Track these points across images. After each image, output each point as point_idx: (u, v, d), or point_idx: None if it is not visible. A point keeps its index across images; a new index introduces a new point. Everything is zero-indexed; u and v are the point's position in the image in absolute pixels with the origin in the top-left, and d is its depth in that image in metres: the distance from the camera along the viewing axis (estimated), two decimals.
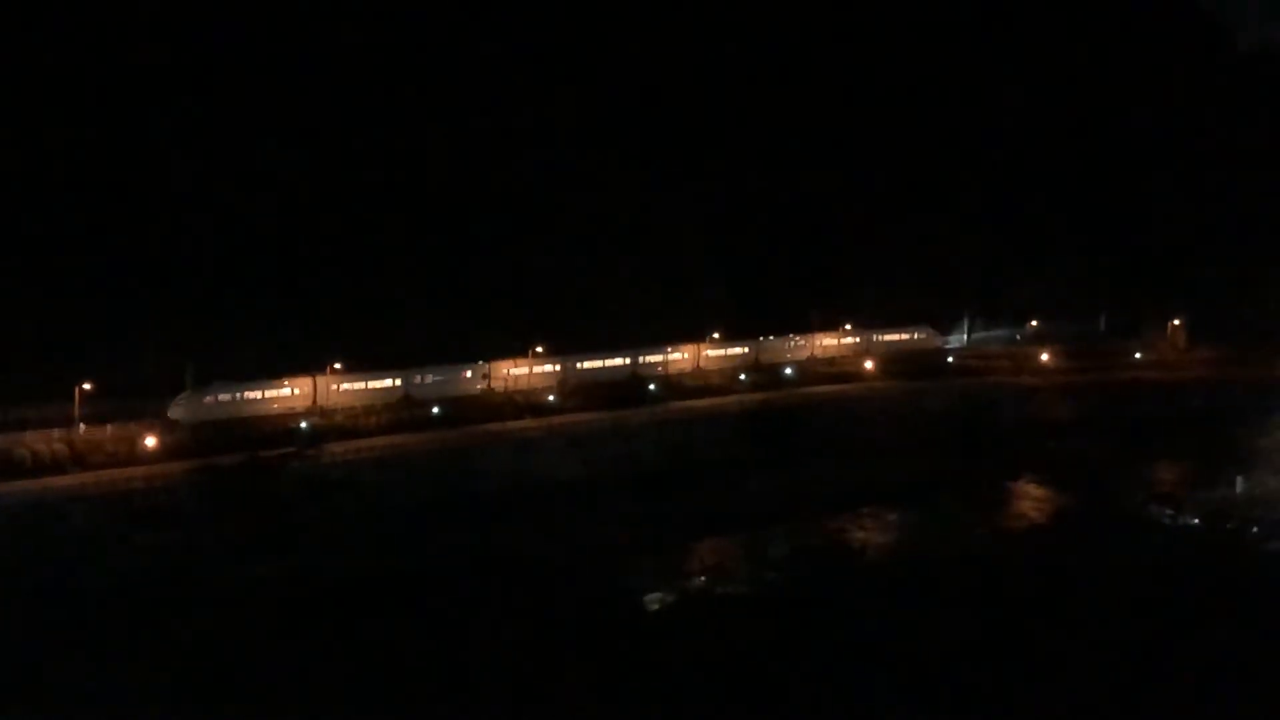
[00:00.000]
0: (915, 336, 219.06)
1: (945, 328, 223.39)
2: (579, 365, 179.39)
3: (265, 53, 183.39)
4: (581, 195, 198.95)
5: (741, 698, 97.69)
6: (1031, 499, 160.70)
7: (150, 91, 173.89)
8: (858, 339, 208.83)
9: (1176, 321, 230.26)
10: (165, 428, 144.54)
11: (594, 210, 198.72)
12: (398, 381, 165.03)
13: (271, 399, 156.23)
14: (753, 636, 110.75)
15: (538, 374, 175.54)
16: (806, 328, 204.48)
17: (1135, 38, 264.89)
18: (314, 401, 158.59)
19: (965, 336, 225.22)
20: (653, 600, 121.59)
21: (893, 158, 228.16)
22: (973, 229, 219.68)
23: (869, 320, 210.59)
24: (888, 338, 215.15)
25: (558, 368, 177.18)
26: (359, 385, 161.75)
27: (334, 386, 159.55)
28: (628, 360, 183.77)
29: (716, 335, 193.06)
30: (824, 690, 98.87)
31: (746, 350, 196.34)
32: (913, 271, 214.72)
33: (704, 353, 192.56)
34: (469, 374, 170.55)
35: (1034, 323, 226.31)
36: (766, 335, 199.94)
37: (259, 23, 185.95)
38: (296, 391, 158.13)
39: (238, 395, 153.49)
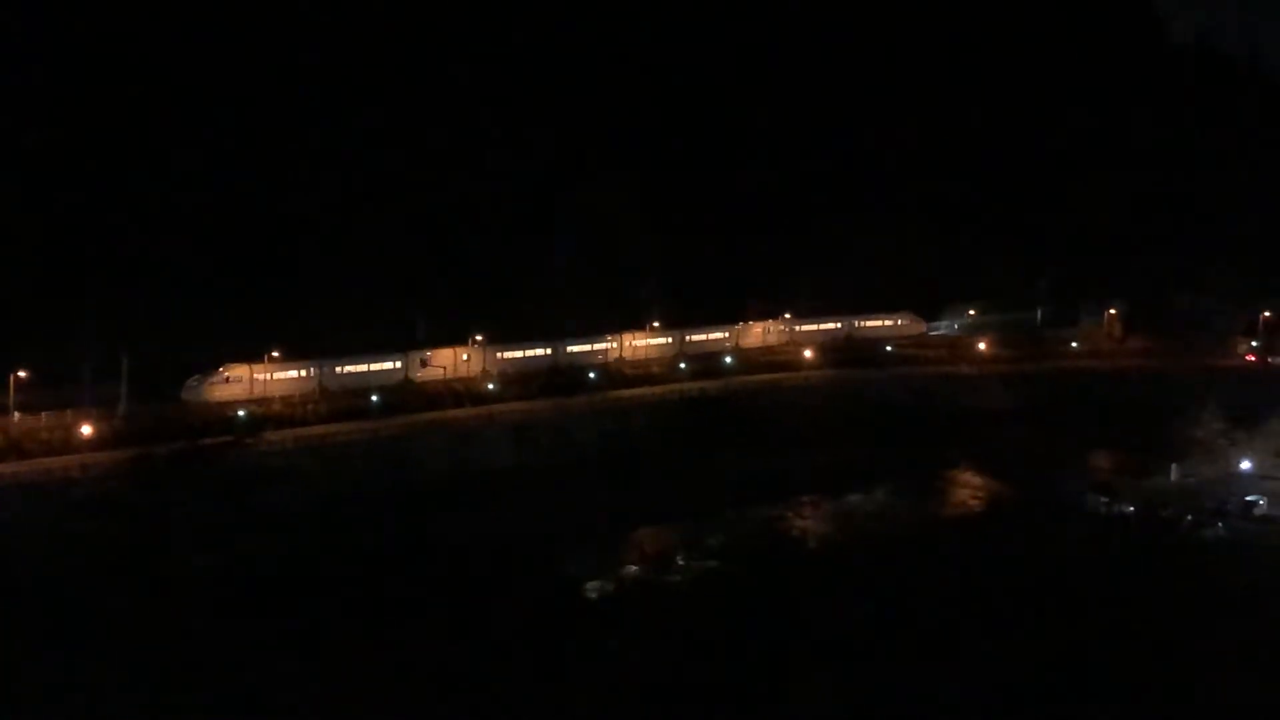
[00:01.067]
0: (899, 323, 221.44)
1: (931, 314, 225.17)
2: (519, 354, 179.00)
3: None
4: (520, 185, 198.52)
5: (682, 686, 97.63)
6: (969, 487, 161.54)
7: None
8: (798, 327, 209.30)
9: (1112, 311, 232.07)
10: (103, 416, 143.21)
11: (534, 199, 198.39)
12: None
13: (276, 381, 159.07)
14: (692, 626, 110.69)
15: (478, 362, 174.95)
16: (745, 317, 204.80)
17: (1069, 28, 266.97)
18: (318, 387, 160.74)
19: (954, 324, 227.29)
20: (592, 589, 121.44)
21: (831, 149, 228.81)
22: (909, 220, 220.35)
23: (822, 308, 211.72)
24: (870, 324, 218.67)
25: (499, 356, 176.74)
26: (292, 374, 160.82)
27: (268, 376, 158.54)
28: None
29: (656, 324, 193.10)
30: (762, 678, 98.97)
31: (686, 339, 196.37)
32: (848, 262, 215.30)
33: (645, 342, 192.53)
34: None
35: (971, 312, 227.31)
36: (706, 325, 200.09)
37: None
38: (303, 374, 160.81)
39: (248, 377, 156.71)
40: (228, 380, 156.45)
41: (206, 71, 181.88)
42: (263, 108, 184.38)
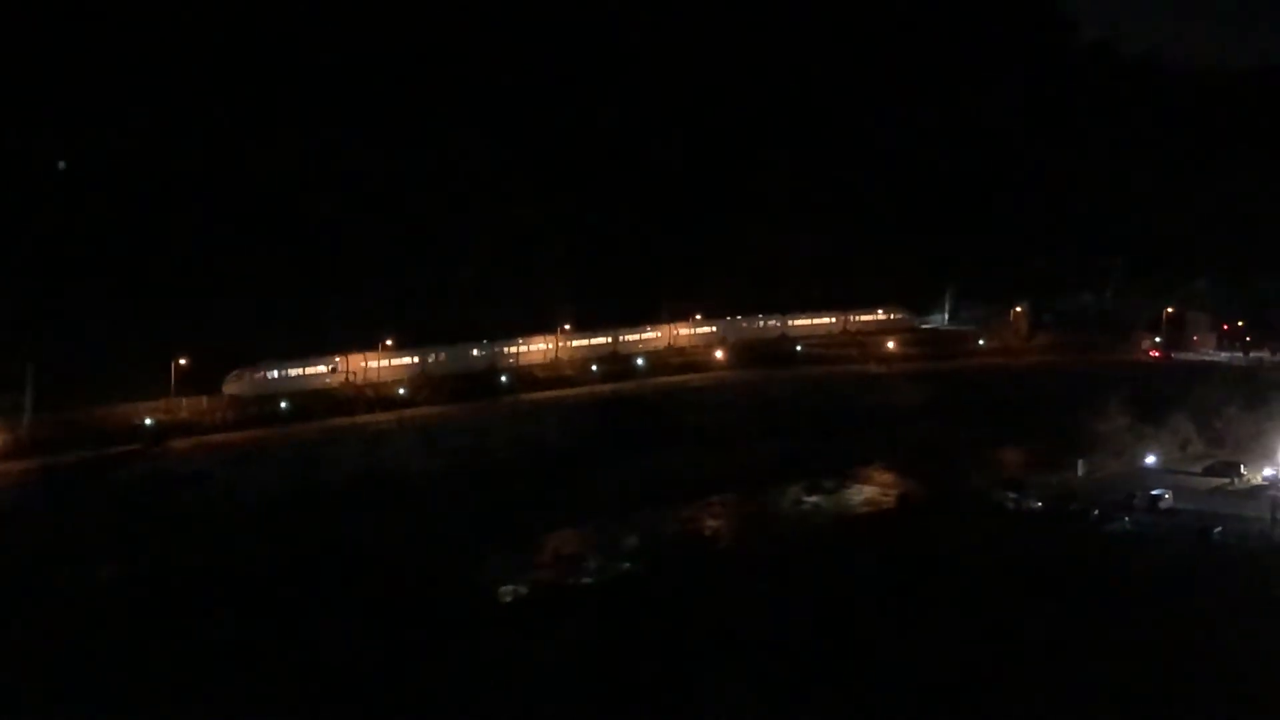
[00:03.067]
0: (891, 317, 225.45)
1: (923, 308, 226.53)
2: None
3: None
4: (432, 187, 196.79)
5: (596, 688, 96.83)
6: (879, 484, 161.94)
7: None
8: (712, 328, 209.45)
9: (1019, 309, 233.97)
10: (6, 426, 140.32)
11: (445, 200, 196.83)
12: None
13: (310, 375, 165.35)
14: (606, 627, 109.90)
15: (389, 367, 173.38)
16: (658, 318, 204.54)
17: (977, 27, 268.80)
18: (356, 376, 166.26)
19: (944, 316, 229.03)
20: (505, 592, 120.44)
21: (739, 150, 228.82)
22: (818, 220, 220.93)
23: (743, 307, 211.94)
24: (863, 318, 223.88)
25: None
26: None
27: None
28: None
29: (569, 326, 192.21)
30: (676, 678, 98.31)
31: (599, 341, 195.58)
32: (755, 263, 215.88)
33: (557, 344, 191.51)
34: (320, 368, 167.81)
35: (880, 312, 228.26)
36: (620, 326, 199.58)
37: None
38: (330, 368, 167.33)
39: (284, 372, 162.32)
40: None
41: None
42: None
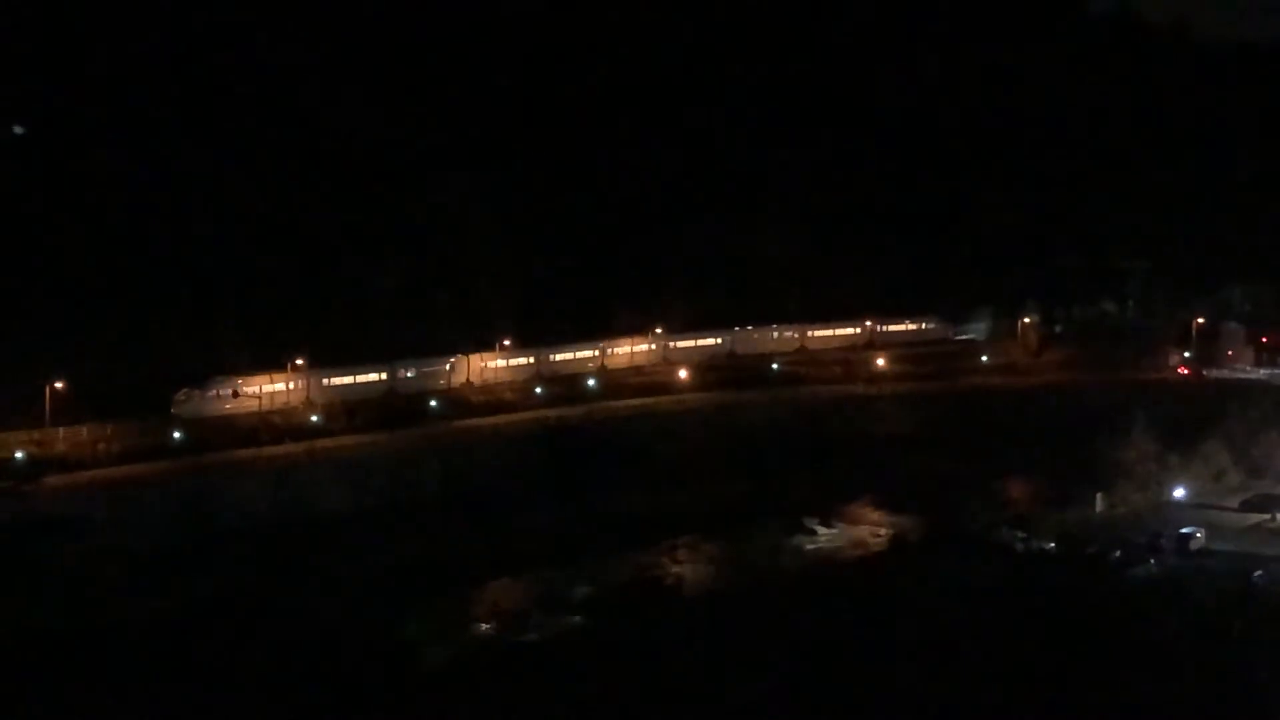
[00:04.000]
0: (924, 327, 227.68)
1: (961, 317, 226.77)
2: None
3: None
4: (346, 186, 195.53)
5: None
6: (869, 524, 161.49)
7: None
8: (672, 344, 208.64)
9: (1027, 320, 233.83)
10: None
11: (365, 202, 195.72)
12: (214, 394, 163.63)
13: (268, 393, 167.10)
14: (551, 692, 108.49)
15: (297, 390, 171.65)
16: (613, 333, 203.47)
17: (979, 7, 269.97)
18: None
19: (982, 325, 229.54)
20: (434, 654, 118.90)
21: (703, 149, 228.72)
22: (796, 224, 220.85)
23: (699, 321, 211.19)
24: (895, 328, 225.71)
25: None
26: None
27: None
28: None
29: (507, 343, 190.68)
30: None
31: (542, 359, 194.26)
32: (725, 271, 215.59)
33: (492, 363, 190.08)
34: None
35: (868, 323, 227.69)
36: (567, 342, 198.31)
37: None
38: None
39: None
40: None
41: None
42: None
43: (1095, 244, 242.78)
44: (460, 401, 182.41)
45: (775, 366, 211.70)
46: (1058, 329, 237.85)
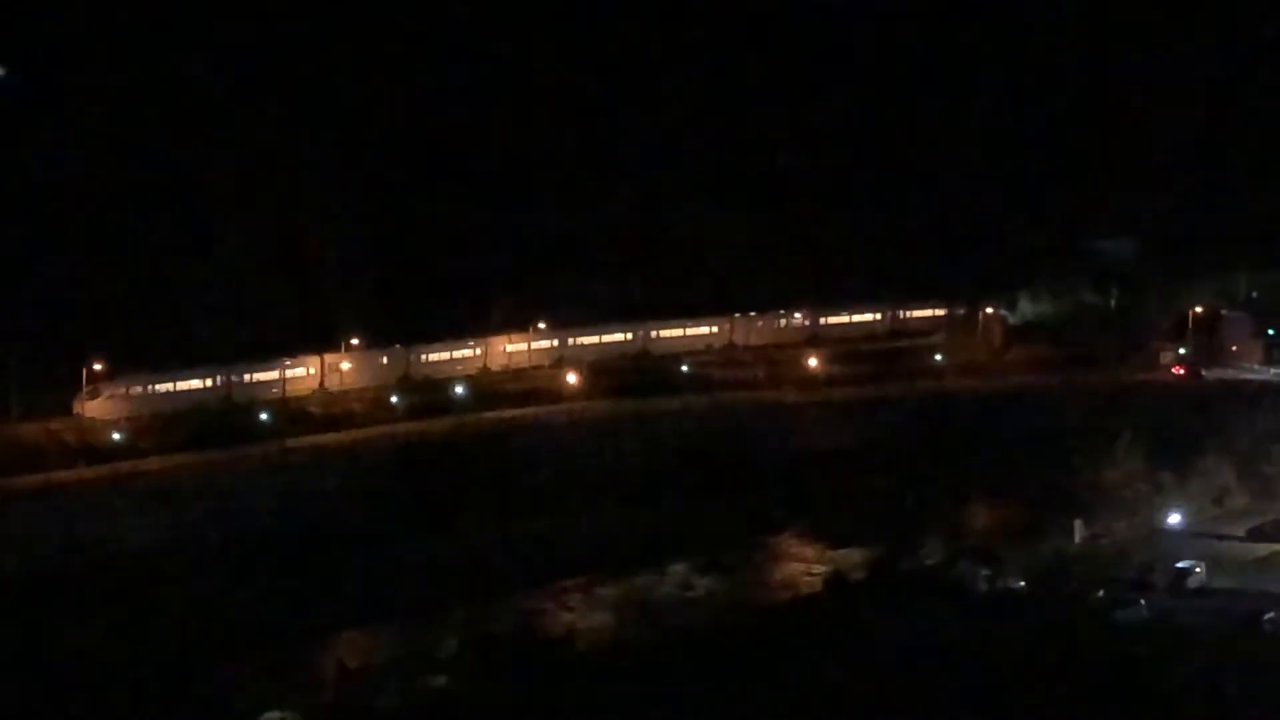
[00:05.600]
0: (988, 311, 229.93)
1: (1009, 299, 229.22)
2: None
3: None
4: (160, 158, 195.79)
5: None
6: (800, 559, 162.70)
7: None
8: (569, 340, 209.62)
9: (989, 311, 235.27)
10: None
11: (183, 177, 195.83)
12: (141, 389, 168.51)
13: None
14: None
15: (98, 404, 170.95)
16: (489, 329, 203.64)
17: None
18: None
19: (1029, 307, 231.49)
20: None
21: (603, 115, 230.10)
22: (716, 199, 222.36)
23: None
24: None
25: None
26: None
27: None
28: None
29: (356, 341, 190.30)
30: None
31: (400, 361, 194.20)
32: (634, 254, 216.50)
33: (339, 367, 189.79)
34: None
35: (797, 316, 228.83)
36: (432, 340, 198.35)
37: None
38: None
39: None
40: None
41: None
42: None
43: (1069, 219, 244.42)
44: (300, 414, 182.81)
45: (686, 369, 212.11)
46: (1026, 321, 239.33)
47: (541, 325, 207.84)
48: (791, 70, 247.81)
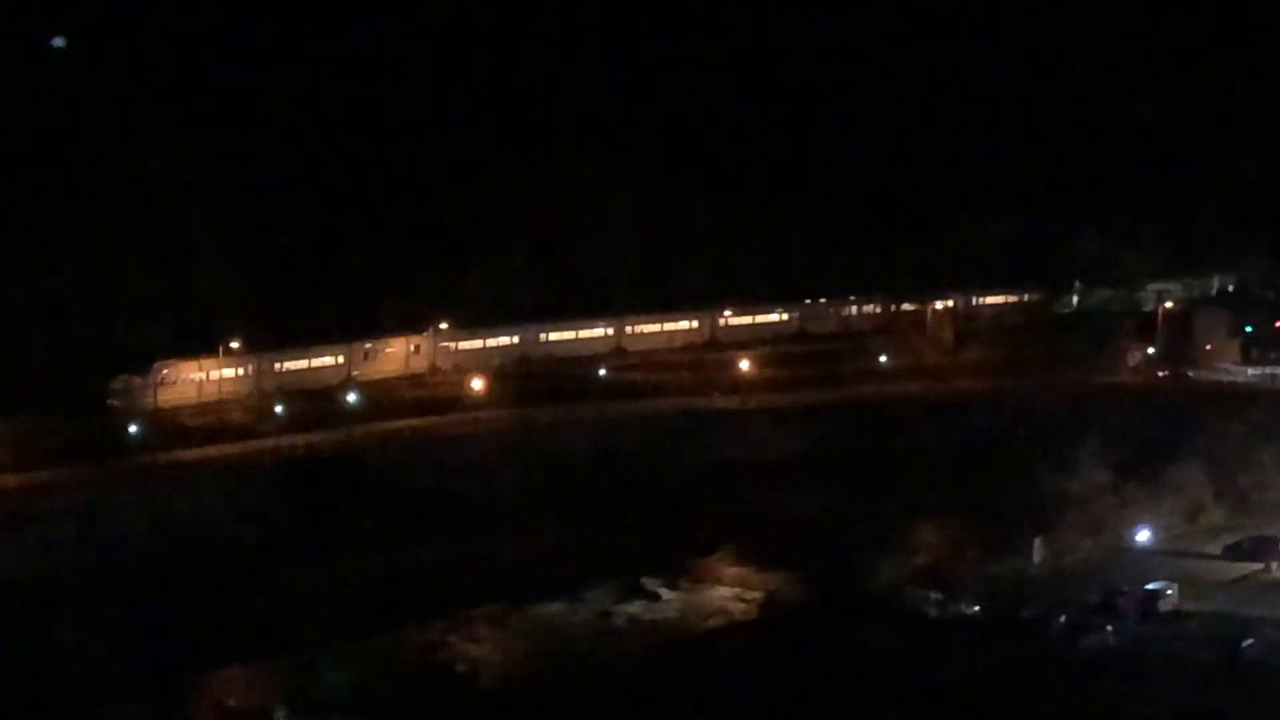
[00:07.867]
0: (1025, 299, 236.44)
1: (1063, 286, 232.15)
2: None
3: None
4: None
5: None
6: (732, 583, 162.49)
7: None
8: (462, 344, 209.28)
9: (939, 306, 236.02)
10: None
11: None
12: None
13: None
14: None
15: None
16: (379, 330, 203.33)
17: None
18: None
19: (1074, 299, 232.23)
20: None
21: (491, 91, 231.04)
22: (627, 181, 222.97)
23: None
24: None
25: None
26: None
27: None
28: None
29: (235, 344, 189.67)
30: None
31: (282, 367, 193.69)
32: (537, 247, 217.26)
33: (216, 373, 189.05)
34: None
35: (727, 314, 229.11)
36: (314, 344, 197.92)
37: None
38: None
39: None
40: None
41: None
42: None
43: (1027, 203, 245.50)
44: (171, 425, 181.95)
45: (603, 373, 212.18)
46: (979, 318, 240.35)
47: (444, 326, 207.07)
48: (729, 51, 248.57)
